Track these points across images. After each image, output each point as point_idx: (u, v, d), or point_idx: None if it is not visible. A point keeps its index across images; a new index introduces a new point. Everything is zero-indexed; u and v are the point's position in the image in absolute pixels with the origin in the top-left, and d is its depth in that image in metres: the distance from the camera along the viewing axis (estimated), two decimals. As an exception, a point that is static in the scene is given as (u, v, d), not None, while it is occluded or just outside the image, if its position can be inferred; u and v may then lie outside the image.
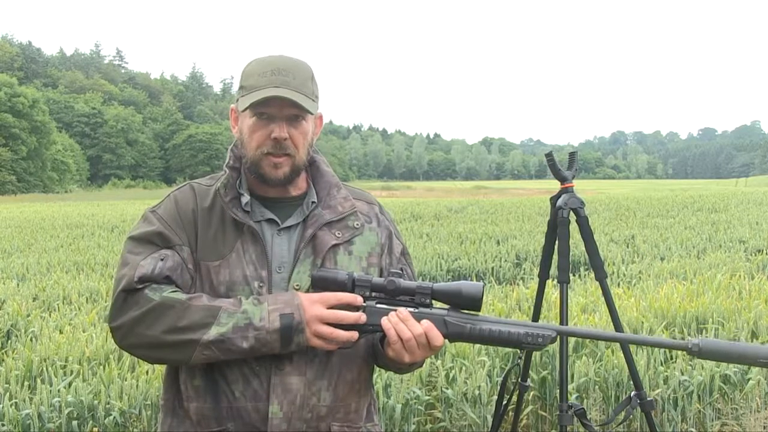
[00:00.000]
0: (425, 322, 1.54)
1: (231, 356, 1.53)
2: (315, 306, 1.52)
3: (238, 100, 1.65)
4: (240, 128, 1.67)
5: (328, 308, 1.53)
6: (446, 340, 1.57)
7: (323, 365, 1.62)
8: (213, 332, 1.49)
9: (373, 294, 1.58)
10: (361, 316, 1.54)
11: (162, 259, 1.58)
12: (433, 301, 1.59)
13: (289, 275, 1.62)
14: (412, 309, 1.56)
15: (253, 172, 1.65)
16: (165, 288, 1.55)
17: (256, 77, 1.61)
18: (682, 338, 5.08)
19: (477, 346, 4.67)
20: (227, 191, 1.65)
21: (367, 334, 1.60)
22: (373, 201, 1.81)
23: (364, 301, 1.58)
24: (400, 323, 1.53)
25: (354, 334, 1.54)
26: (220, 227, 1.64)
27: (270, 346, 1.51)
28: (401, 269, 1.68)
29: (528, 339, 1.54)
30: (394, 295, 1.58)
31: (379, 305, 1.57)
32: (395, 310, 1.55)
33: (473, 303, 1.55)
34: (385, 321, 1.54)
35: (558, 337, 1.57)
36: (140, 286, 1.54)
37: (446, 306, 1.58)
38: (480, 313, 1.58)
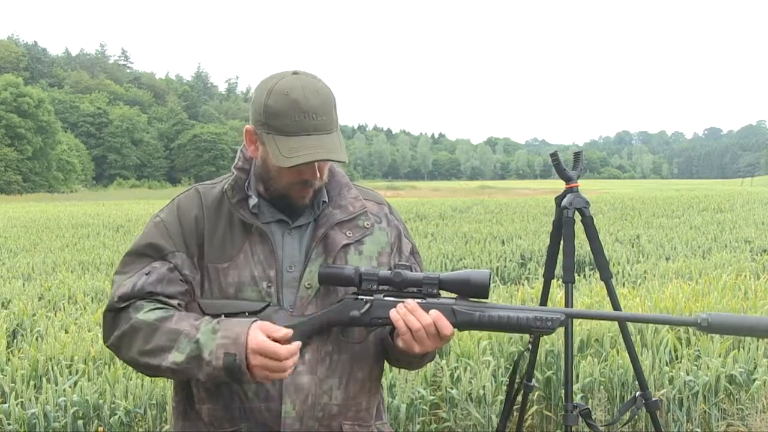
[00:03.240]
0: (434, 312, 1.54)
1: (193, 380, 1.54)
2: (256, 356, 1.46)
3: (260, 133, 1.57)
4: (263, 158, 1.61)
5: (267, 354, 1.47)
6: (456, 329, 1.57)
7: (334, 364, 1.62)
8: (170, 359, 1.50)
9: (381, 287, 1.59)
10: (295, 348, 1.48)
11: (147, 274, 1.60)
12: (442, 292, 1.59)
13: (300, 274, 1.63)
14: (420, 300, 1.57)
15: (278, 198, 1.64)
16: (145, 306, 1.56)
17: (284, 119, 1.52)
18: (688, 338, 5.07)
19: (482, 345, 4.67)
20: (234, 193, 1.65)
21: (376, 327, 1.61)
22: (383, 201, 1.82)
23: (372, 294, 1.59)
24: (409, 314, 1.54)
25: (294, 360, 1.49)
26: (228, 229, 1.64)
27: (220, 379, 1.50)
28: (410, 267, 1.68)
29: (537, 323, 1.54)
30: (401, 288, 1.59)
31: (387, 298, 1.58)
32: (403, 302, 1.56)
33: (481, 290, 1.55)
34: (393, 313, 1.55)
35: (567, 319, 1.57)
36: (123, 305, 1.57)
37: (454, 295, 1.59)
38: (488, 301, 1.58)
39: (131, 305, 1.57)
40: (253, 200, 1.65)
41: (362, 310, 1.57)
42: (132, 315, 1.55)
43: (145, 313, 1.55)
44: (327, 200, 1.71)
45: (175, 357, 1.49)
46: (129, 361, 1.58)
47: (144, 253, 1.63)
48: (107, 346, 1.62)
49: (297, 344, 1.49)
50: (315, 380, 1.60)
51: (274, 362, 1.46)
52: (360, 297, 1.59)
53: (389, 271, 1.59)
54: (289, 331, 1.51)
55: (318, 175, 1.60)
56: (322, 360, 1.61)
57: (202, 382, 1.54)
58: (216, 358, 1.47)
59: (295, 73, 1.57)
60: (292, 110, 1.51)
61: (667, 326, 5.03)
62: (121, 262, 1.66)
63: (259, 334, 1.48)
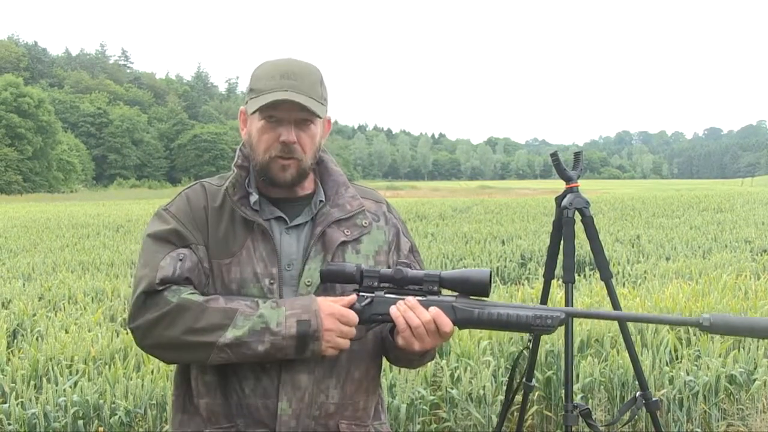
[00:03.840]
0: (433, 309, 1.55)
1: (246, 360, 1.54)
2: (332, 319, 1.53)
3: (247, 103, 1.65)
4: (249, 131, 1.67)
5: (342, 322, 1.55)
6: (456, 327, 1.58)
7: (332, 363, 1.63)
8: (229, 335, 1.51)
9: (382, 285, 1.60)
10: (352, 330, 1.57)
11: (181, 260, 1.60)
12: (442, 290, 1.60)
13: (299, 272, 1.64)
14: (420, 297, 1.58)
15: (261, 174, 1.66)
16: (183, 290, 1.56)
17: (265, 81, 1.61)
18: (688, 338, 5.07)
19: (482, 345, 4.67)
20: (236, 190, 1.67)
21: (376, 324, 1.61)
22: (381, 199, 1.83)
23: (373, 292, 1.60)
24: (409, 311, 1.55)
25: (347, 342, 1.58)
26: (230, 226, 1.65)
27: (285, 352, 1.53)
28: (410, 265, 1.68)
29: (537, 322, 1.54)
30: (402, 285, 1.59)
31: (387, 295, 1.59)
32: (403, 299, 1.57)
33: (481, 289, 1.56)
34: (393, 309, 1.56)
35: (567, 318, 1.57)
36: (161, 288, 1.56)
37: (455, 293, 1.59)
38: (488, 299, 1.58)
39: (167, 289, 1.56)
40: (254, 197, 1.66)
41: (362, 306, 1.58)
42: (170, 298, 1.54)
43: (189, 295, 1.55)
44: (324, 199, 1.72)
45: (235, 332, 1.51)
46: (162, 343, 1.55)
47: (168, 239, 1.63)
48: (132, 328, 1.58)
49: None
50: (312, 378, 1.60)
51: (346, 327, 1.54)
52: (361, 294, 1.60)
53: (390, 269, 1.60)
54: (354, 297, 1.58)
55: (294, 137, 1.61)
56: (320, 359, 1.61)
57: (259, 356, 1.53)
58: (287, 327, 1.51)
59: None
60: (274, 72, 1.62)
61: (668, 327, 5.03)
62: (147, 243, 1.64)
63: (328, 300, 1.56)
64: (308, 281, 1.62)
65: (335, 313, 1.54)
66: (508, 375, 4.40)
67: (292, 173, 1.64)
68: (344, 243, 1.67)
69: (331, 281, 1.61)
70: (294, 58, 1.66)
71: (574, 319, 2.79)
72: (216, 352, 1.52)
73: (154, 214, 1.70)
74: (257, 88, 1.62)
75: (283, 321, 1.51)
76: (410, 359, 1.70)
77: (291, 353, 1.53)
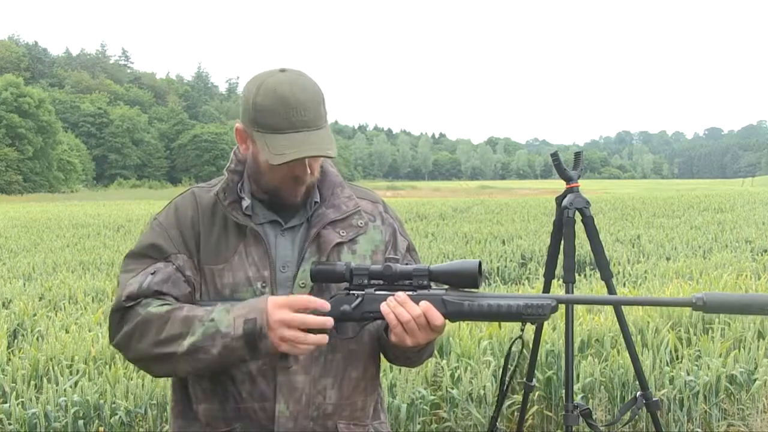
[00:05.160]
0: (423, 303, 1.54)
1: (206, 365, 1.52)
2: (280, 310, 1.47)
3: (252, 131, 1.58)
4: (254, 155, 1.63)
5: (295, 311, 1.48)
6: (447, 320, 1.57)
7: (328, 363, 1.63)
8: (186, 342, 1.50)
9: (372, 282, 1.59)
10: (327, 321, 1.48)
11: (152, 273, 1.60)
12: (434, 283, 1.59)
13: (294, 274, 1.63)
14: (410, 292, 1.57)
15: (269, 194, 1.65)
16: (153, 302, 1.57)
17: (271, 116, 1.54)
18: (689, 338, 5.07)
19: (482, 345, 4.67)
20: (227, 195, 1.66)
21: (368, 322, 1.61)
22: (378, 200, 1.82)
23: (363, 289, 1.59)
24: (399, 307, 1.54)
25: (324, 337, 1.50)
26: (223, 231, 1.65)
27: (237, 353, 1.50)
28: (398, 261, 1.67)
29: (528, 311, 1.53)
30: (392, 281, 1.59)
31: (378, 292, 1.58)
32: (393, 295, 1.56)
33: (470, 280, 1.55)
34: (383, 306, 1.55)
35: (558, 305, 1.55)
36: (130, 304, 1.58)
37: (446, 286, 1.59)
38: (479, 290, 1.58)
39: (138, 304, 1.57)
40: (246, 202, 1.65)
41: (353, 305, 1.58)
42: (140, 311, 1.55)
43: (156, 307, 1.55)
44: (319, 200, 1.71)
45: (191, 339, 1.49)
46: (139, 357, 1.57)
47: (146, 254, 1.64)
48: (113, 346, 1.61)
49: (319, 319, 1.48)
50: (309, 380, 1.60)
51: (305, 318, 1.46)
52: (351, 292, 1.60)
53: (379, 265, 1.60)
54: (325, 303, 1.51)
55: (309, 171, 1.60)
56: (316, 359, 1.61)
57: (215, 360, 1.51)
58: (235, 328, 1.47)
59: (282, 70, 1.59)
60: (281, 107, 1.53)
61: (668, 326, 5.03)
62: (123, 263, 1.67)
63: (284, 297, 1.50)
64: (302, 283, 1.62)
65: (286, 304, 1.47)
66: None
67: (301, 193, 1.65)
68: (340, 244, 1.67)
69: (321, 281, 1.61)
70: (290, 72, 1.59)
71: (574, 318, 2.78)
72: (182, 362, 1.52)
73: (146, 225, 1.73)
74: (264, 124, 1.54)
75: (232, 322, 1.48)
76: (407, 356, 1.69)
77: (244, 354, 1.50)
